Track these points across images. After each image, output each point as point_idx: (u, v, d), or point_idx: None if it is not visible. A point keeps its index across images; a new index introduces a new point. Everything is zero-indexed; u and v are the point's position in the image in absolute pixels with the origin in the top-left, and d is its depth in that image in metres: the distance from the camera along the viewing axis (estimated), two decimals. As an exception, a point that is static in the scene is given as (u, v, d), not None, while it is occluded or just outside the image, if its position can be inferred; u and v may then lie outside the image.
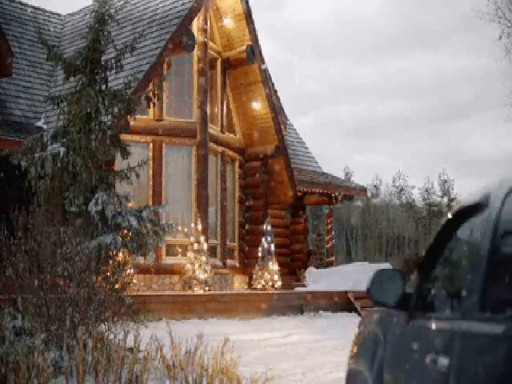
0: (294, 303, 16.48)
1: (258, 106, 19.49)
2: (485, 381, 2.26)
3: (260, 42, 19.10)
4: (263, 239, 18.44)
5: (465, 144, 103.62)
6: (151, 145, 16.85)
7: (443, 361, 2.58)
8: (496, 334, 2.24)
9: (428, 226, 64.04)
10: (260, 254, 18.37)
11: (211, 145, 17.75)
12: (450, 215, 3.07)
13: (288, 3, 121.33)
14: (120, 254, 8.95)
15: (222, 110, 19.22)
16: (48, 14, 20.97)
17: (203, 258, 15.76)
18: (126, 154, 10.11)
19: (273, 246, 18.47)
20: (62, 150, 9.47)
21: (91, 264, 7.37)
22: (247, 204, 20.22)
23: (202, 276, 15.58)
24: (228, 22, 18.96)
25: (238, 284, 19.13)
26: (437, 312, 2.95)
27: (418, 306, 3.09)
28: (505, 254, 2.44)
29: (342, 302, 17.17)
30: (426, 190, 69.42)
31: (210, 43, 18.24)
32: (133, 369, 6.08)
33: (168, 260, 16.45)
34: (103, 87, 10.05)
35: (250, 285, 18.92)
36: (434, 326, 2.84)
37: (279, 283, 18.27)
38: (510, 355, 2.13)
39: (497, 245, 2.46)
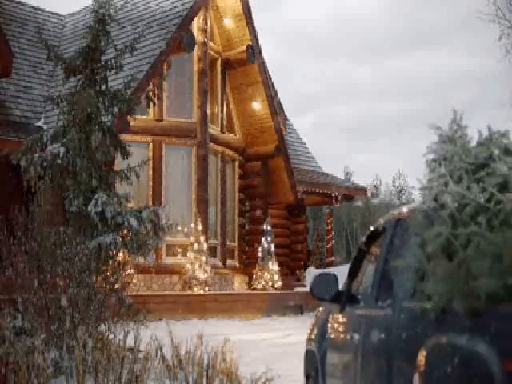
0: (294, 303, 16.48)
1: (257, 105, 19.49)
2: (375, 347, 3.40)
3: (260, 42, 19.12)
4: (263, 239, 18.44)
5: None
6: (151, 145, 16.85)
7: (356, 336, 3.74)
8: (381, 315, 3.44)
9: (428, 226, 64.00)
10: (260, 254, 18.37)
11: (211, 145, 17.75)
12: (364, 236, 4.32)
13: (288, 3, 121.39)
14: (120, 254, 8.95)
15: (221, 110, 19.23)
16: (48, 14, 20.97)
17: (203, 258, 15.77)
18: (125, 154, 10.11)
19: (273, 246, 18.48)
20: (62, 150, 9.46)
21: (91, 264, 7.36)
22: (247, 204, 20.22)
23: (202, 276, 15.58)
24: (228, 22, 18.96)
25: (238, 284, 19.13)
26: (356, 304, 4.06)
27: (347, 300, 4.19)
28: (390, 263, 3.46)
29: (342, 302, 17.15)
30: (426, 190, 69.37)
31: (210, 43, 18.24)
32: (133, 369, 6.07)
33: (168, 260, 16.45)
34: (103, 87, 10.04)
35: (250, 285, 18.92)
36: (353, 313, 4.05)
37: (279, 283, 18.27)
38: (387, 329, 3.23)
39: (387, 258, 3.58)
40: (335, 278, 4.25)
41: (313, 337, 5.05)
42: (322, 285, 4.22)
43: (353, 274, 4.37)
